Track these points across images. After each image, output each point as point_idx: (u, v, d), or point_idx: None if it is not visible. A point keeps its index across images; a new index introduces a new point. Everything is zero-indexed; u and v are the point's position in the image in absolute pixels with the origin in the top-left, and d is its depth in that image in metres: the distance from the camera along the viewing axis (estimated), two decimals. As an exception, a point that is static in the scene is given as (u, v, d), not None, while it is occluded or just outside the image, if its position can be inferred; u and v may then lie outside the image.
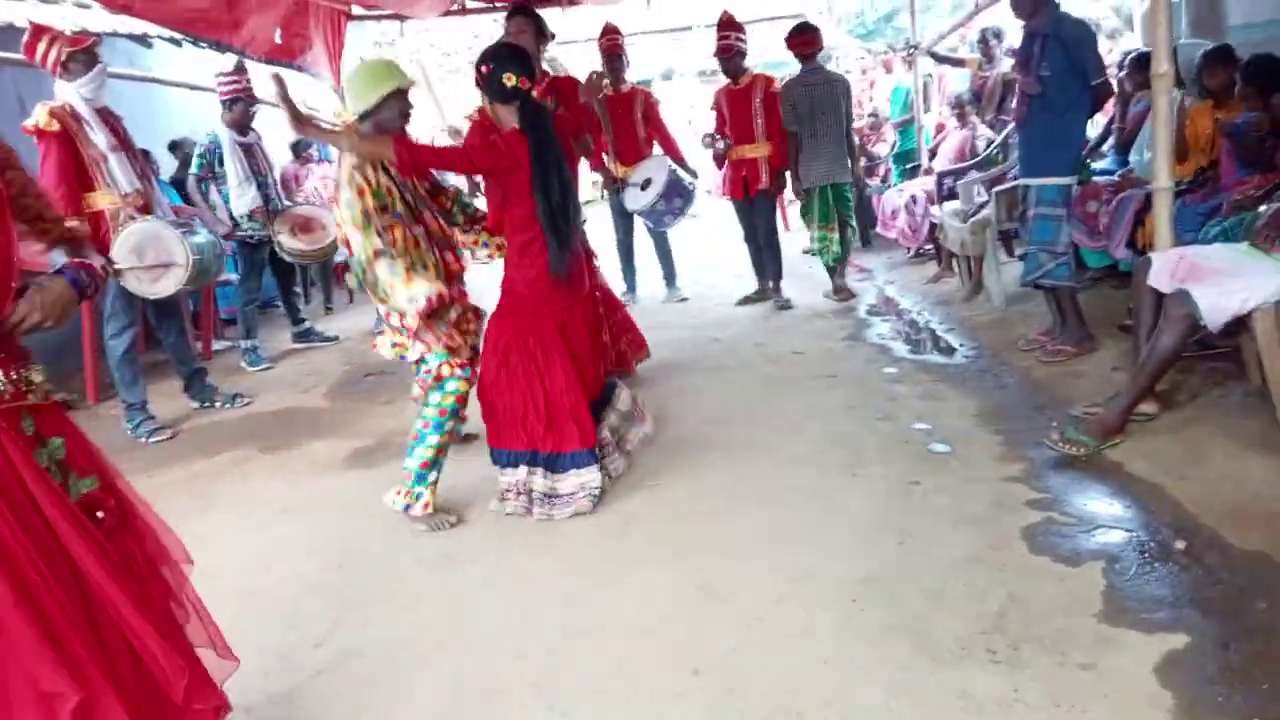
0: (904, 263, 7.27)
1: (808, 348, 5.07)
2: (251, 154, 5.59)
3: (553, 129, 3.09)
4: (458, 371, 3.10)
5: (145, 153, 5.03)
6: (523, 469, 3.16)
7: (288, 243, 5.55)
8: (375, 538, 3.14)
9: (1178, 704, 1.92)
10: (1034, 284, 4.32)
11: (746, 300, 6.34)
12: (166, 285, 4.31)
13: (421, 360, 3.16)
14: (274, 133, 6.22)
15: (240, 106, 5.47)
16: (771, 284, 6.21)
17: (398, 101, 3.08)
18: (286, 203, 5.84)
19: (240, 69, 5.45)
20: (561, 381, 3.12)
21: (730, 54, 5.94)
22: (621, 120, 6.17)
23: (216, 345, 6.24)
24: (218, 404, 4.91)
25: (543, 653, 2.36)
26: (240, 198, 5.51)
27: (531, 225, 3.06)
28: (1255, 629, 2.15)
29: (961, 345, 4.84)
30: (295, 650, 2.47)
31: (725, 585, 2.59)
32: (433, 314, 3.02)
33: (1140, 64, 5.22)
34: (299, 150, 8.34)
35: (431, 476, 3.11)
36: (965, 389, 4.11)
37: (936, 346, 4.95)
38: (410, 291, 2.96)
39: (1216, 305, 2.98)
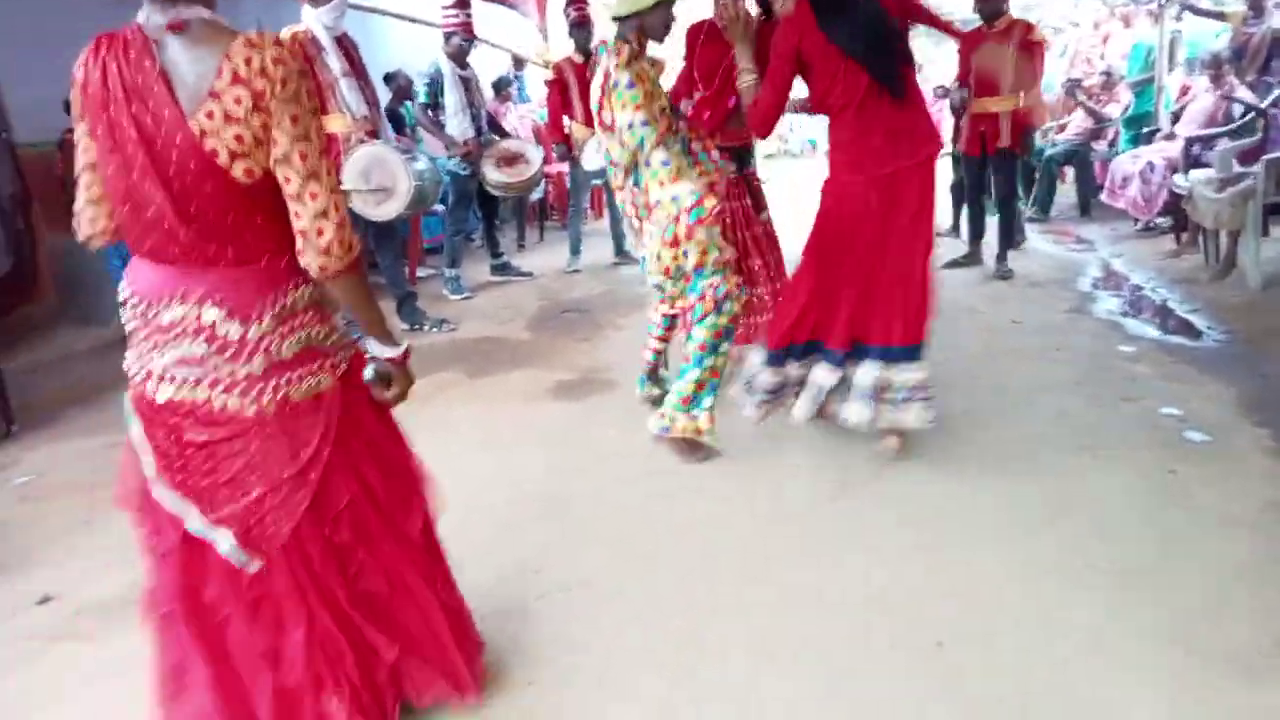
0: (1131, 235, 6.65)
1: (1027, 318, 4.72)
2: (469, 87, 5.70)
3: None
4: (735, 291, 3.03)
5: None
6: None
7: (493, 175, 5.65)
8: (584, 472, 3.14)
9: None
10: (1314, 265, 3.81)
11: (954, 264, 5.96)
12: (388, 209, 4.46)
13: (681, 282, 3.05)
14: (480, 70, 6.33)
15: (457, 40, 5.56)
16: (999, 250, 5.76)
17: (667, 10, 2.98)
18: (494, 136, 5.93)
19: (463, 2, 5.53)
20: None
21: None
22: None
23: (420, 272, 6.48)
24: (426, 327, 5.09)
25: (766, 612, 2.26)
26: (456, 128, 5.64)
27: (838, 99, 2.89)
28: None
29: (1210, 328, 4.36)
30: (515, 575, 2.49)
31: (961, 561, 2.42)
32: (700, 222, 2.96)
33: None
34: (500, 88, 8.51)
35: (706, 402, 3.06)
36: (1218, 375, 3.69)
37: (1178, 328, 4.48)
38: (676, 190, 2.94)
39: None
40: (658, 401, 3.36)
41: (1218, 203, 4.86)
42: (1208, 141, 5.83)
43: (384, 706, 1.78)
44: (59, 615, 2.47)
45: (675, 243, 2.98)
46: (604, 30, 5.67)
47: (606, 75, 2.97)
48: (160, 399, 1.58)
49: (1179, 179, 5.69)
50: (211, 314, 1.54)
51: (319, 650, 1.68)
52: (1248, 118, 5.81)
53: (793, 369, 3.05)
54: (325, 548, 1.69)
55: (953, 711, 1.86)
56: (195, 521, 1.60)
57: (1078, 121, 7.61)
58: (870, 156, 2.88)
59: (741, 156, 3.85)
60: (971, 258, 5.96)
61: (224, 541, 1.60)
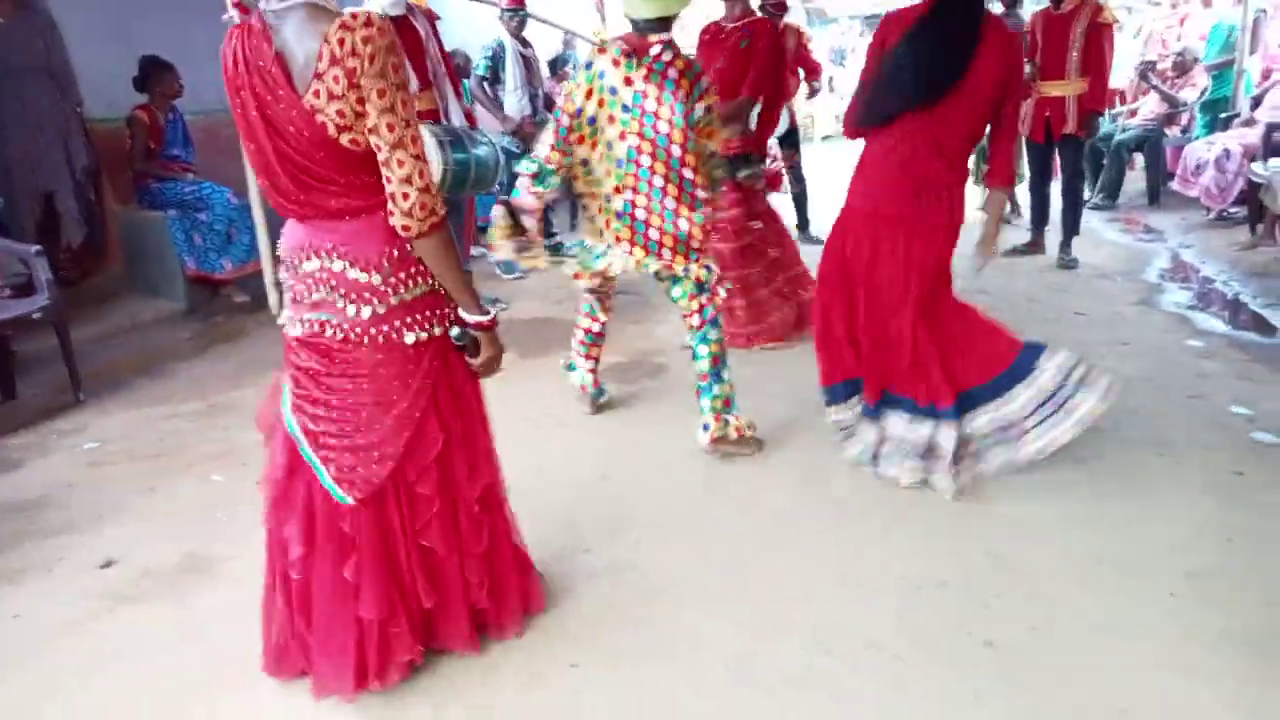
0: (1202, 225, 6.40)
1: (1091, 310, 4.58)
2: (529, 66, 5.70)
3: None
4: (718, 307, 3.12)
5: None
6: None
7: (548, 154, 5.64)
8: (635, 455, 3.14)
9: None
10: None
11: (1015, 251, 5.81)
12: None
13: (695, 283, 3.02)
14: (539, 50, 6.32)
15: (518, 17, 5.55)
16: (1064, 239, 5.60)
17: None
18: (549, 117, 5.91)
19: None
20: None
21: None
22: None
23: (474, 251, 6.51)
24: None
25: (820, 599, 2.25)
26: (514, 104, 5.64)
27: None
28: None
29: (1287, 324, 4.20)
30: (565, 556, 2.50)
31: (1015, 558, 2.37)
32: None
33: None
34: (557, 68, 8.49)
35: (735, 406, 3.10)
36: (1294, 374, 3.56)
37: (1252, 323, 4.31)
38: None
39: None
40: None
41: (1299, 193, 4.65)
42: (1290, 128, 5.59)
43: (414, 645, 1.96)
44: (122, 578, 2.55)
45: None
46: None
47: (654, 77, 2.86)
48: (295, 335, 1.85)
49: (1257, 167, 5.47)
50: (340, 264, 1.77)
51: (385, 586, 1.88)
52: (1334, 104, 5.55)
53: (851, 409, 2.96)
54: (408, 496, 1.88)
55: (1010, 709, 1.83)
56: (307, 449, 1.84)
57: (1150, 106, 7.34)
58: (879, 188, 2.74)
59: (733, 163, 3.87)
60: (1034, 246, 5.80)
61: (326, 473, 1.83)
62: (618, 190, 2.96)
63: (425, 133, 4.34)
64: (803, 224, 6.47)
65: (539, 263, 3.33)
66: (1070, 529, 2.49)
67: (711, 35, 4.31)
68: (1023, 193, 6.00)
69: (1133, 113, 7.60)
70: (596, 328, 3.45)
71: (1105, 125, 7.54)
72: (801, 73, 6.45)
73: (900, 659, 2.00)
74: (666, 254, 2.98)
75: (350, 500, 1.83)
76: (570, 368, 3.57)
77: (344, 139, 1.64)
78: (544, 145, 2.99)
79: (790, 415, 3.35)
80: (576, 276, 3.19)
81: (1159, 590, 2.19)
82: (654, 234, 2.98)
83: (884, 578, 2.32)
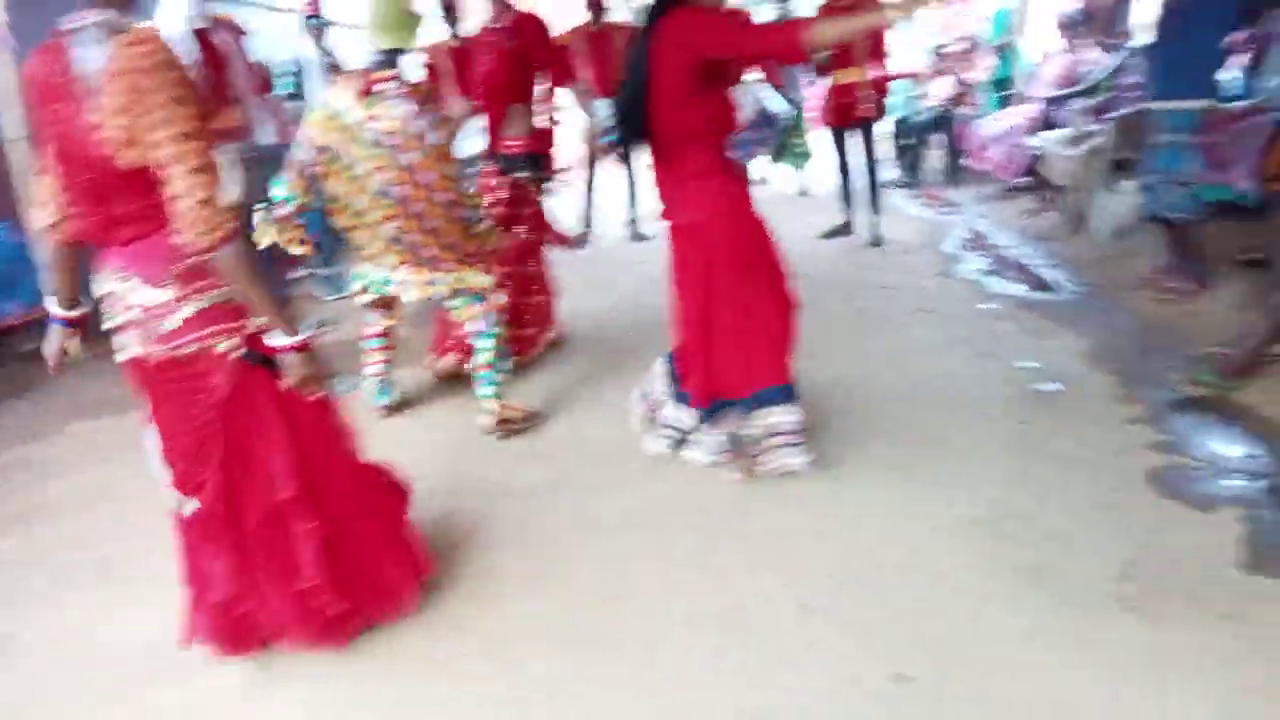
0: (996, 196, 6.93)
1: (898, 283, 4.87)
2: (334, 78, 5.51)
3: None
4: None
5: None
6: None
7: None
8: (461, 470, 3.11)
9: (1337, 660, 1.78)
10: (1155, 218, 4.04)
11: (831, 233, 6.10)
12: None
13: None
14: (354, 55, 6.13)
15: (317, 26, 5.38)
16: (870, 218, 5.89)
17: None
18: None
19: None
20: None
21: None
22: None
23: (294, 275, 6.25)
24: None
25: (686, 594, 2.30)
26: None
27: None
28: None
29: (1066, 282, 4.59)
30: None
31: (837, 515, 2.50)
32: None
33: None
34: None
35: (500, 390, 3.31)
36: (1072, 327, 3.90)
37: (1037, 283, 4.70)
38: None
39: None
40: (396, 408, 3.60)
41: (1069, 160, 5.10)
42: (1062, 102, 6.10)
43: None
44: None
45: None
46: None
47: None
48: (122, 359, 1.91)
49: (1036, 139, 5.95)
50: (134, 283, 1.81)
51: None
52: (1098, 77, 6.09)
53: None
54: (263, 505, 1.95)
55: (839, 649, 1.92)
56: (154, 462, 1.98)
57: (943, 87, 7.86)
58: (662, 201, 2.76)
59: (513, 163, 3.88)
60: (845, 227, 6.11)
61: (166, 481, 1.98)
62: (386, 219, 3.03)
63: (226, 153, 4.23)
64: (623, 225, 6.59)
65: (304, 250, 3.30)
66: (884, 487, 2.64)
67: (481, 39, 4.20)
68: (828, 176, 6.27)
69: (927, 94, 8.10)
70: (379, 330, 3.53)
71: (902, 108, 8.02)
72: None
73: (726, 635, 2.07)
74: (448, 267, 3.12)
75: (189, 508, 1.97)
76: (355, 385, 3.63)
77: (128, 155, 1.66)
78: (290, 174, 3.02)
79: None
80: (362, 292, 3.28)
81: (960, 536, 2.36)
82: (432, 253, 3.10)
83: (719, 543, 2.39)
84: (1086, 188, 5.12)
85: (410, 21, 3.07)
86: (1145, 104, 4.05)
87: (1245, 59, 4.93)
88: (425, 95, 3.04)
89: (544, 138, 4.34)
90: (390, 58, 2.97)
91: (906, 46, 8.74)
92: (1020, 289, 4.62)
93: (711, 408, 2.76)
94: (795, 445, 2.72)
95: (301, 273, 6.23)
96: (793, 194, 8.09)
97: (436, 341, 3.97)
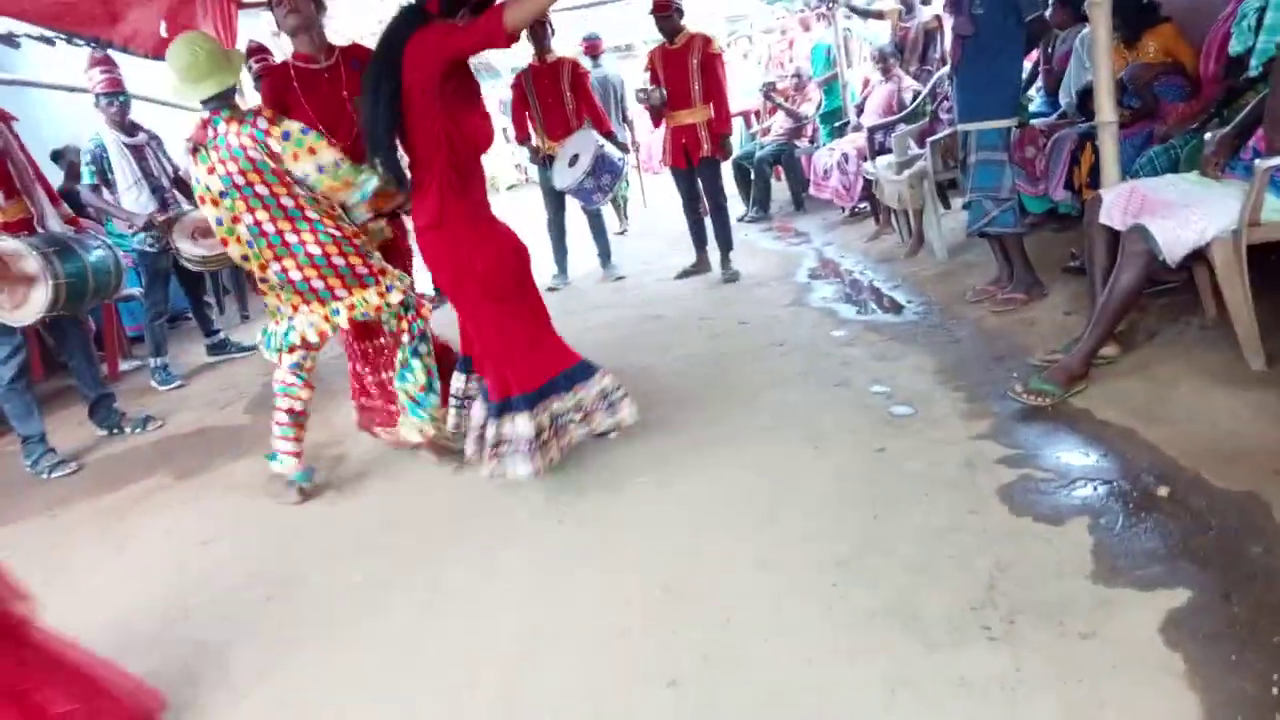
0: (840, 222, 7.14)
1: (752, 317, 4.90)
2: (142, 155, 5.16)
3: None
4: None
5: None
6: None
7: (188, 249, 5.11)
8: (309, 565, 2.86)
9: (1189, 667, 1.78)
10: (980, 233, 4.19)
11: (685, 273, 6.13)
12: (28, 312, 3.85)
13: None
14: (172, 131, 5.77)
15: (115, 103, 5.03)
16: (721, 255, 5.97)
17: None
18: (186, 206, 5.38)
19: (108, 60, 5.00)
20: None
21: (667, 10, 5.57)
22: (549, 92, 5.89)
23: (124, 365, 5.81)
24: (127, 430, 4.53)
25: (499, 672, 2.13)
26: (133, 203, 5.08)
27: None
28: (1254, 575, 2.02)
29: (909, 302, 4.71)
30: (219, 705, 2.20)
31: (692, 583, 2.38)
32: None
33: (1063, 2, 5.14)
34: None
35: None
36: (919, 346, 3.98)
37: (883, 305, 4.81)
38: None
39: (1175, 238, 2.87)
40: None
41: (899, 184, 5.28)
42: (887, 129, 6.35)
43: None
44: None
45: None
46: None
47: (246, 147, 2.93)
48: None
49: (868, 166, 6.16)
50: None
51: None
52: (917, 104, 6.38)
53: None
54: None
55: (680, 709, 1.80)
56: None
57: (780, 122, 8.10)
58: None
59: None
60: (699, 265, 6.14)
61: None
62: (263, 266, 3.06)
63: (23, 247, 3.86)
64: None
65: None
66: (739, 540, 2.56)
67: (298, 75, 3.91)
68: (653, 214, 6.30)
69: (766, 130, 8.35)
70: (299, 406, 3.29)
71: (745, 144, 8.22)
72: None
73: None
74: (344, 293, 3.06)
75: None
76: (272, 457, 3.33)
77: None
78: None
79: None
80: (280, 354, 3.22)
81: (818, 581, 2.28)
82: (319, 284, 3.02)
83: (571, 634, 2.24)
84: (918, 209, 5.30)
85: (223, 61, 2.96)
86: (956, 127, 4.22)
87: (1042, 78, 5.28)
88: (240, 117, 2.91)
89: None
90: (214, 104, 2.94)
91: (741, 86, 9.02)
92: (868, 314, 4.71)
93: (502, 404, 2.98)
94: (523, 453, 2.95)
95: (133, 364, 5.81)
96: (615, 231, 8.25)
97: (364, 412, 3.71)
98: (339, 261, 3.04)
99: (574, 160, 5.44)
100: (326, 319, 3.09)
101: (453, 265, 2.91)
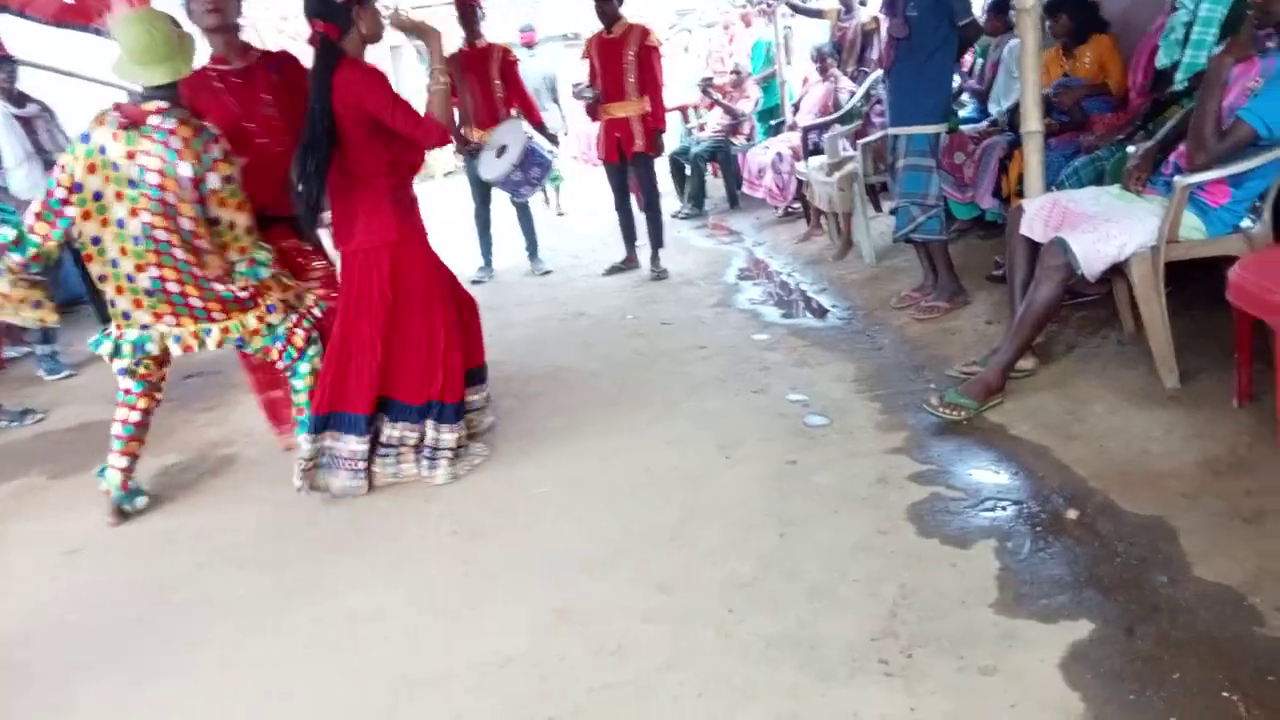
0: (773, 222, 7.06)
1: (677, 317, 4.77)
2: (32, 128, 4.82)
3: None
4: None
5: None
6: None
7: (84, 230, 4.79)
8: (180, 581, 2.65)
9: (1088, 708, 1.70)
10: (906, 239, 4.13)
11: (614, 270, 5.99)
12: None
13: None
14: (72, 104, 5.39)
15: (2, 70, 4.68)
16: (651, 252, 5.83)
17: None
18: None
19: None
20: None
21: None
22: (478, 79, 5.66)
23: (10, 352, 5.43)
24: (2, 423, 4.22)
25: (379, 711, 1.96)
26: (23, 180, 4.74)
27: None
28: (1159, 607, 1.96)
29: (834, 306, 4.64)
30: None
31: (587, 607, 2.25)
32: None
33: (998, 8, 5.12)
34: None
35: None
36: (840, 353, 3.90)
37: (809, 309, 4.73)
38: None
39: (1093, 252, 2.82)
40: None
41: (829, 186, 5.20)
42: (821, 129, 6.28)
43: None
44: None
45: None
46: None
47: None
48: None
49: (801, 166, 6.08)
50: None
51: None
52: (851, 105, 6.32)
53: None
54: None
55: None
56: None
57: (717, 118, 8.00)
58: (336, 229, 3.05)
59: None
60: (628, 261, 6.00)
61: None
62: (139, 268, 2.78)
63: None
64: None
65: (49, 318, 3.03)
66: (641, 559, 2.43)
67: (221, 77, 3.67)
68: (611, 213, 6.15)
69: (703, 126, 8.23)
70: (136, 417, 3.03)
71: (682, 139, 8.10)
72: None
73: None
74: (220, 316, 2.87)
75: None
76: (101, 472, 3.07)
77: None
78: (30, 214, 2.74)
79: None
80: (115, 358, 2.94)
81: (717, 606, 2.17)
82: (196, 302, 2.82)
83: (454, 667, 2.08)
84: (848, 212, 5.24)
85: (179, 46, 2.75)
86: (886, 130, 4.15)
87: (975, 85, 5.25)
88: (196, 138, 2.69)
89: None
90: (161, 92, 2.71)
91: (681, 79, 8.90)
92: (793, 317, 4.62)
93: (372, 415, 2.97)
94: (446, 460, 3.04)
95: (19, 351, 5.44)
96: (552, 215, 8.14)
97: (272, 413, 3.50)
98: (220, 287, 2.84)
99: (502, 151, 5.23)
100: (195, 335, 2.87)
101: (392, 281, 2.94)
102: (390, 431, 3.03)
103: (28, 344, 5.24)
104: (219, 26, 3.13)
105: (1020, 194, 3.93)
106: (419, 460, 3.05)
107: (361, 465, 2.99)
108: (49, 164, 4.82)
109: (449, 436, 3.03)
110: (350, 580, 2.52)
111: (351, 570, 2.57)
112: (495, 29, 6.67)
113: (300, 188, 2.83)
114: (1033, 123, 3.18)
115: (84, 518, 3.12)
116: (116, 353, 2.91)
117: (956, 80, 5.34)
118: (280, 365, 3.04)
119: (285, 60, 3.47)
